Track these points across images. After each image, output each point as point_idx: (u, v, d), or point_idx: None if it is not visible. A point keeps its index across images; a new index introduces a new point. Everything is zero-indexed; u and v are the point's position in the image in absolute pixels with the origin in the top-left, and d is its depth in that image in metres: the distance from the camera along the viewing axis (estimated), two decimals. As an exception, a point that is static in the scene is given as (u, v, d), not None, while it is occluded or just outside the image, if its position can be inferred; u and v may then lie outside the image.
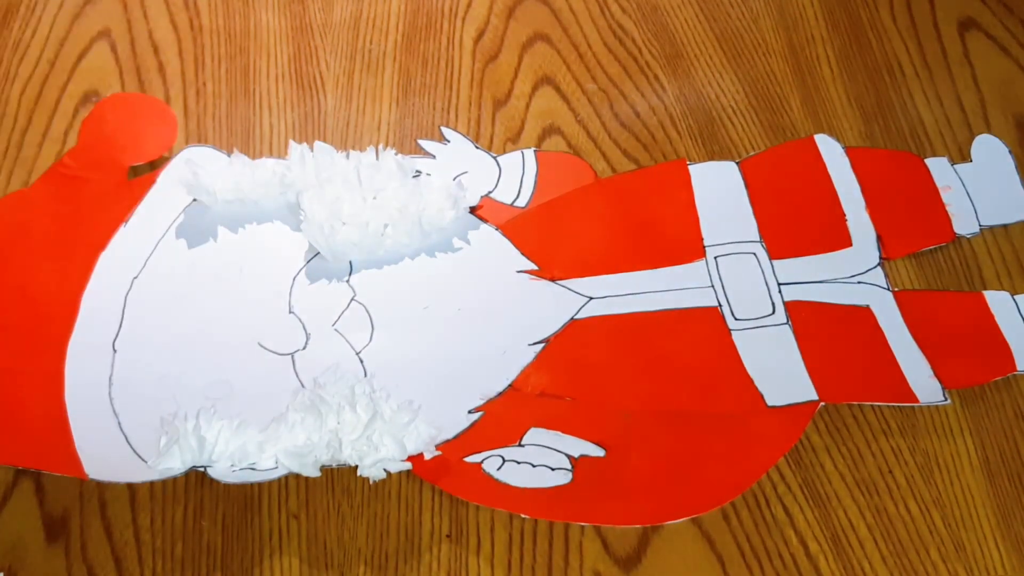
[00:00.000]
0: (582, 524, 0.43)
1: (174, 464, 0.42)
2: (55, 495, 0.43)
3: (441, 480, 0.43)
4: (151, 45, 0.58)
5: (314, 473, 0.43)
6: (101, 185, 0.52)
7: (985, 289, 0.51)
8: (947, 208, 0.53)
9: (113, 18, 0.59)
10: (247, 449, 0.43)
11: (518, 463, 0.44)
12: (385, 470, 0.43)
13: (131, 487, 0.44)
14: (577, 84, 0.58)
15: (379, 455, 0.43)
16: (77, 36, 0.58)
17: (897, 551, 0.43)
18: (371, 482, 0.44)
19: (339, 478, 0.44)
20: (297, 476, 0.44)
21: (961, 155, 0.56)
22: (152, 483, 0.44)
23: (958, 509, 0.44)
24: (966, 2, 0.62)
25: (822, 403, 0.46)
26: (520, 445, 0.45)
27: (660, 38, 0.60)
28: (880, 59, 0.60)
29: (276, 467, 0.43)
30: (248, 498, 0.44)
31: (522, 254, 0.51)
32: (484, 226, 0.52)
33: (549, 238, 0.52)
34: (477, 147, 0.55)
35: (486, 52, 0.59)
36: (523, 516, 0.43)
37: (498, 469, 0.44)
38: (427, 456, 0.43)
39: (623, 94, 0.58)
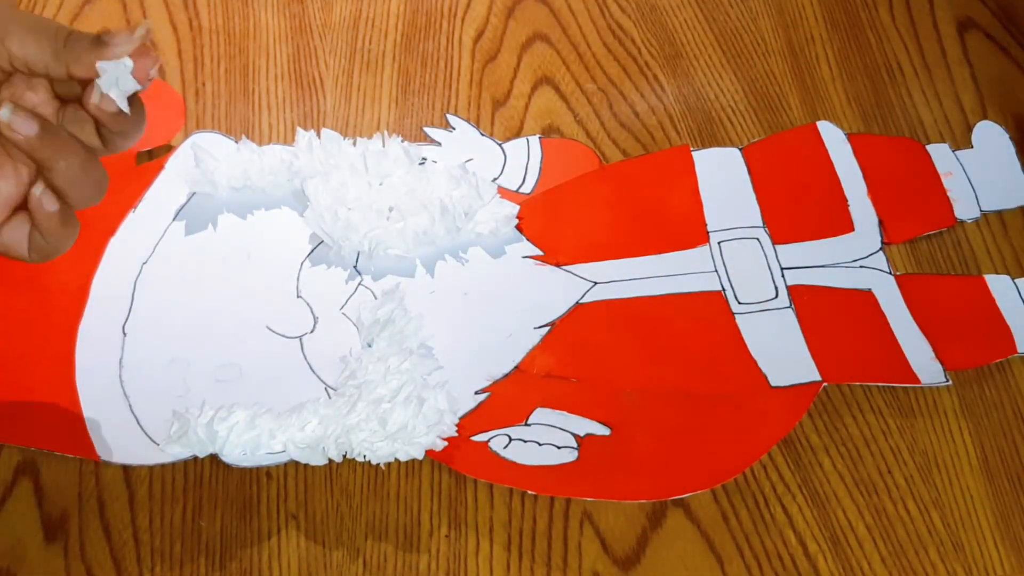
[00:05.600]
0: (587, 513, 0.43)
1: (183, 452, 0.43)
2: (54, 496, 0.43)
3: (447, 458, 0.44)
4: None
5: (322, 462, 0.43)
6: (109, 170, 0.52)
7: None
8: (948, 193, 0.54)
9: (112, 18, 0.59)
10: (260, 440, 0.43)
11: (524, 442, 0.44)
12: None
13: (130, 487, 0.44)
14: (576, 84, 0.58)
15: (392, 449, 0.43)
16: (76, 36, 0.58)
17: (896, 551, 0.43)
18: (374, 464, 0.44)
19: (338, 478, 0.44)
20: (296, 476, 0.44)
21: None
22: (151, 484, 0.44)
23: (957, 509, 0.44)
24: (965, 2, 0.62)
25: (825, 384, 0.47)
26: (527, 424, 0.45)
27: (659, 38, 0.60)
28: (879, 59, 0.60)
29: (284, 451, 0.43)
30: (247, 498, 0.44)
31: (527, 240, 0.51)
32: None
33: (554, 224, 0.52)
34: (482, 134, 0.55)
35: (485, 52, 0.59)
36: (525, 509, 0.43)
37: (505, 447, 0.44)
38: (437, 448, 0.44)
39: (622, 94, 0.58)
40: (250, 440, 0.43)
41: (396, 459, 0.43)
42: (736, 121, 0.57)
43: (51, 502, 0.43)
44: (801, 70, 0.59)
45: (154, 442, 0.43)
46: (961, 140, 0.56)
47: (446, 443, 0.44)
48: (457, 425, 0.44)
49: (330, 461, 0.43)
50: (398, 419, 0.43)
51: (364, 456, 0.43)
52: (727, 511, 0.44)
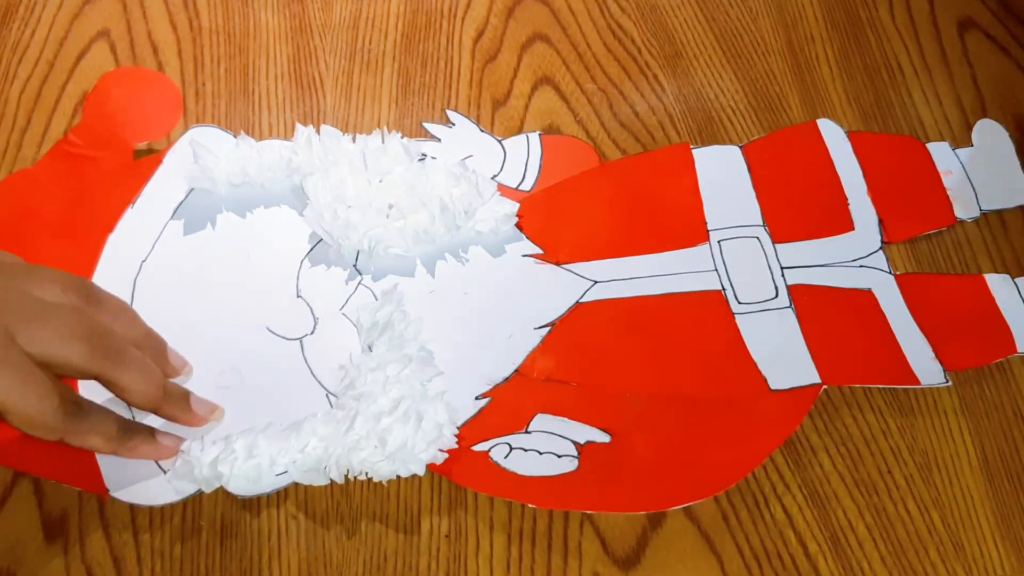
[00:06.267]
0: (587, 513, 0.43)
1: (187, 488, 0.43)
2: (54, 496, 0.43)
3: (448, 470, 0.43)
4: (150, 45, 0.58)
5: (325, 482, 0.43)
6: (107, 164, 0.51)
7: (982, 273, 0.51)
8: (948, 192, 0.54)
9: (112, 18, 0.59)
10: (261, 469, 0.42)
11: (525, 450, 0.44)
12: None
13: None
14: (576, 84, 0.58)
15: (394, 467, 0.43)
16: (76, 36, 0.58)
17: (896, 551, 0.43)
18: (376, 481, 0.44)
19: (338, 478, 0.44)
20: (296, 476, 0.44)
21: (961, 154, 0.56)
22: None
23: (957, 509, 0.44)
24: (965, 2, 0.62)
25: (825, 386, 0.46)
26: (527, 432, 0.45)
27: (659, 38, 0.60)
28: (879, 58, 0.60)
29: (285, 472, 0.43)
30: (247, 498, 0.44)
31: (527, 238, 0.51)
32: None
33: (554, 222, 0.52)
34: (482, 130, 0.55)
35: (485, 52, 0.59)
36: (525, 509, 0.43)
37: (505, 457, 0.44)
38: (438, 462, 0.43)
39: (622, 94, 0.58)
40: (252, 469, 0.42)
41: (398, 476, 0.43)
42: (736, 121, 0.57)
43: (51, 502, 0.43)
44: (801, 70, 0.59)
45: (161, 469, 0.43)
46: (961, 140, 0.56)
47: (447, 455, 0.43)
48: (457, 436, 0.44)
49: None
50: (397, 438, 0.42)
51: (366, 474, 0.43)
52: (727, 511, 0.44)
